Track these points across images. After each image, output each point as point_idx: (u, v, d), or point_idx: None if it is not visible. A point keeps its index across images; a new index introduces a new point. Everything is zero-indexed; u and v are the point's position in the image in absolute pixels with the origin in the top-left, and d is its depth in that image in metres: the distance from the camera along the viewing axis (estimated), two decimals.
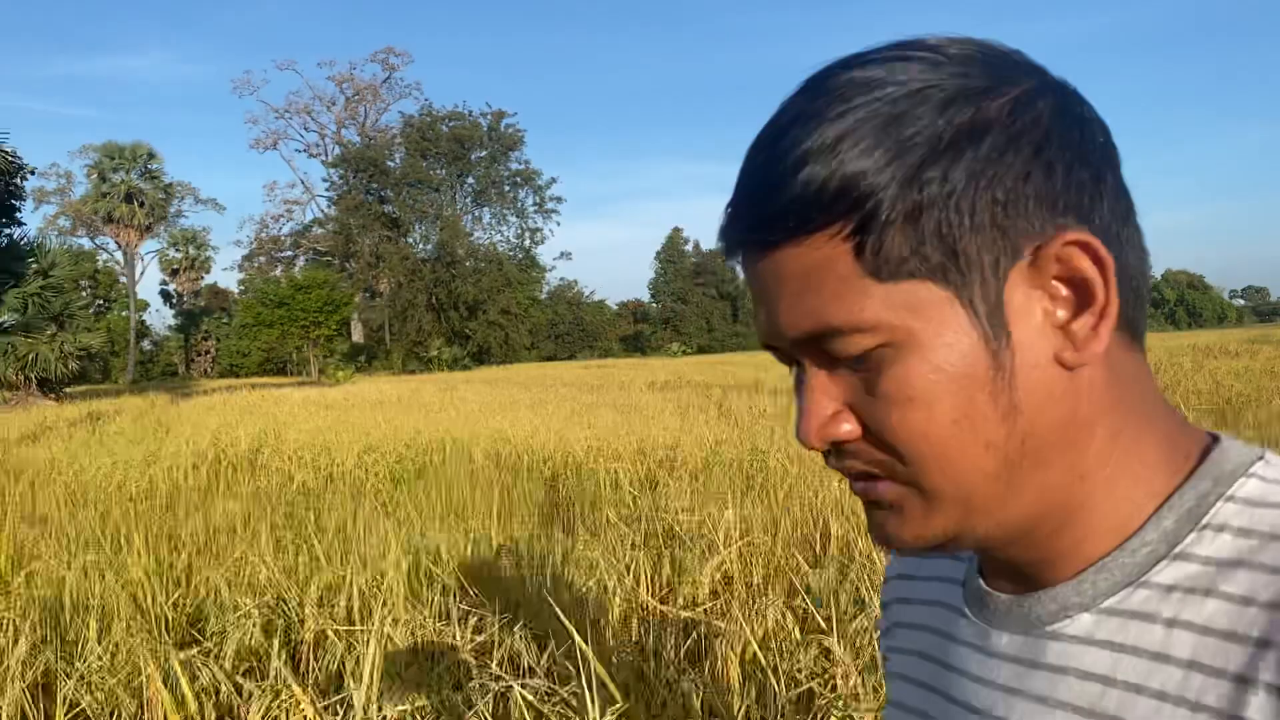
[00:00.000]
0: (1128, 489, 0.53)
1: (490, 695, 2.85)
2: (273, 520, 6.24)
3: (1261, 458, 0.53)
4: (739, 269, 0.57)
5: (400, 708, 2.88)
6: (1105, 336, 0.50)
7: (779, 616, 3.52)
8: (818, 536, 4.78)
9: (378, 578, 4.26)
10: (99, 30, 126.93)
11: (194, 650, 3.16)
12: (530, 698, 2.57)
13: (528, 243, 62.99)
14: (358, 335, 65.84)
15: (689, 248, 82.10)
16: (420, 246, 60.56)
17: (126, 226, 61.77)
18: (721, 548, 4.34)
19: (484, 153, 61.11)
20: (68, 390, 28.53)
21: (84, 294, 55.38)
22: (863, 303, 0.50)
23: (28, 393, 26.14)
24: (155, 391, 29.37)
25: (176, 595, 4.17)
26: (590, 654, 2.53)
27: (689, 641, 3.68)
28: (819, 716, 2.79)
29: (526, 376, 31.21)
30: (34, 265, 26.85)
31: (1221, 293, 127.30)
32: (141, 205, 60.86)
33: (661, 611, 3.97)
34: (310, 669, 3.44)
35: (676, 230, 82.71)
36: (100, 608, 3.79)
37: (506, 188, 61.68)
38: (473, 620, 3.70)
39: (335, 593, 4.19)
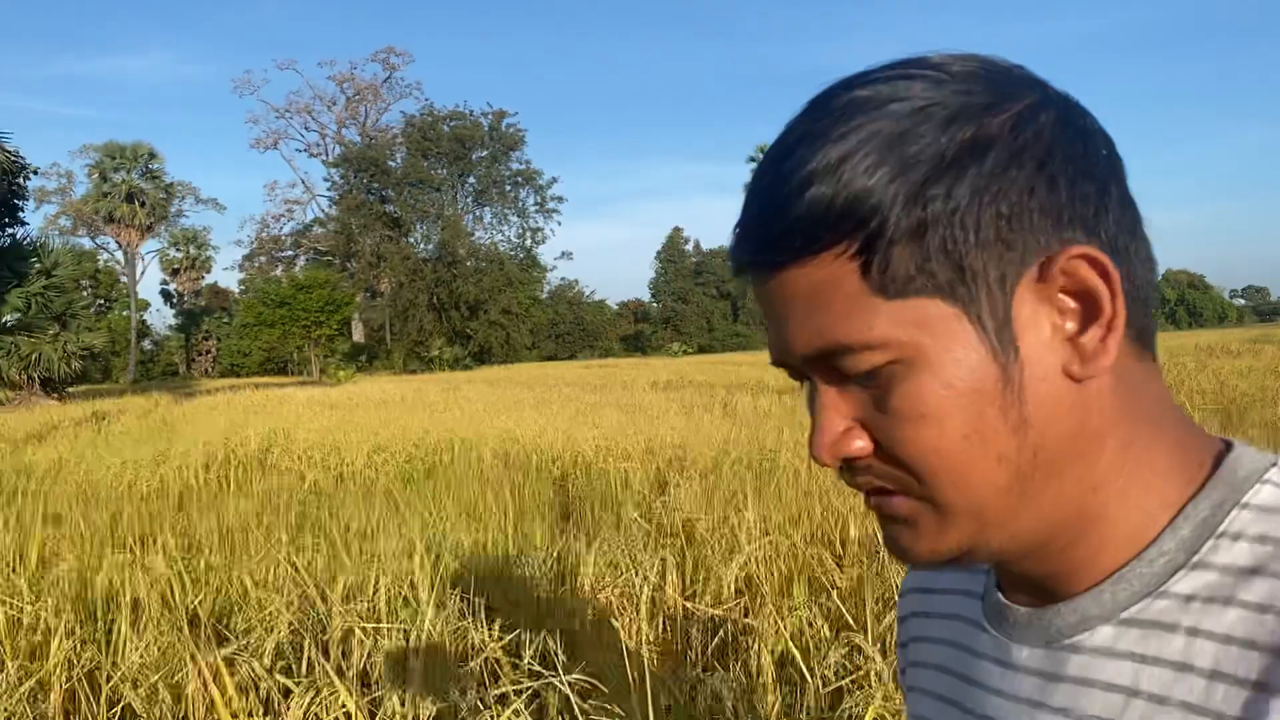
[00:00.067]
0: (1141, 499, 0.53)
1: (525, 693, 2.88)
2: (288, 520, 6.26)
3: (1275, 464, 0.53)
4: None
5: (436, 704, 2.91)
6: (1113, 349, 0.50)
7: (808, 614, 3.55)
8: (837, 535, 4.80)
9: (402, 576, 4.29)
10: (99, 30, 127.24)
11: (232, 646, 3.18)
12: (570, 694, 2.59)
13: (529, 242, 63.14)
14: (359, 335, 65.84)
15: (689, 247, 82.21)
16: (421, 246, 60.67)
17: (127, 226, 61.75)
18: (745, 545, 4.36)
19: (485, 152, 61.17)
20: (70, 390, 28.52)
21: (85, 294, 55.30)
22: (871, 320, 0.50)
23: (30, 392, 26.14)
24: (157, 391, 29.39)
25: (203, 594, 4.20)
26: (624, 647, 2.55)
27: (715, 640, 3.71)
28: (851, 715, 2.80)
29: (529, 376, 31.22)
30: (37, 265, 26.83)
31: (1222, 292, 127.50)
32: (142, 205, 60.82)
33: (688, 609, 4.00)
34: (340, 666, 3.46)
35: (677, 230, 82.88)
36: (132, 604, 3.82)
37: (507, 187, 61.74)
38: (499, 619, 3.72)
39: (360, 591, 4.22)
